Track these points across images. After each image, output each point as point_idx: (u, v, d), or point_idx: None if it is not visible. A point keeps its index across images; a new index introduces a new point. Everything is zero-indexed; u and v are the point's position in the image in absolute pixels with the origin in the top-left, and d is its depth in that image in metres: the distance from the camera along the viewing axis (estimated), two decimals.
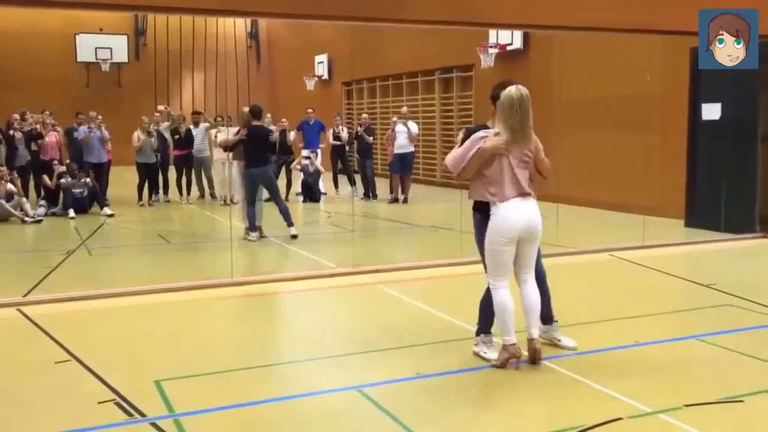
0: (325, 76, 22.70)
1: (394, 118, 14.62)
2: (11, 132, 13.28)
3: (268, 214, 10.37)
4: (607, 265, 8.19)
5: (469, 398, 4.29)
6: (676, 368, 4.75)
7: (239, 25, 26.85)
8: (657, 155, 11.26)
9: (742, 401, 4.13)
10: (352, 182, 15.02)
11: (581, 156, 12.09)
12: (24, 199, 12.05)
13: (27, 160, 13.25)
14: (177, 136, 14.31)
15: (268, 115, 15.75)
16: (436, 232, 10.93)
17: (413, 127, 14.30)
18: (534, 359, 4.71)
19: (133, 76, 25.38)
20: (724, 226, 9.99)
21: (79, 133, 13.73)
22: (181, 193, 14.44)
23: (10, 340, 5.63)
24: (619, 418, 3.88)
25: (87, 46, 24.18)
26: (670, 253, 8.93)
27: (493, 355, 4.81)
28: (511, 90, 4.61)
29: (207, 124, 14.66)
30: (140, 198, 13.95)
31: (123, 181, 15.04)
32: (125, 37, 25.06)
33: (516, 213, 4.63)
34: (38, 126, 13.89)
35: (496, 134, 4.69)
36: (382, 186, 14.92)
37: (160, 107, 16.50)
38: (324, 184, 15.23)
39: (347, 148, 15.55)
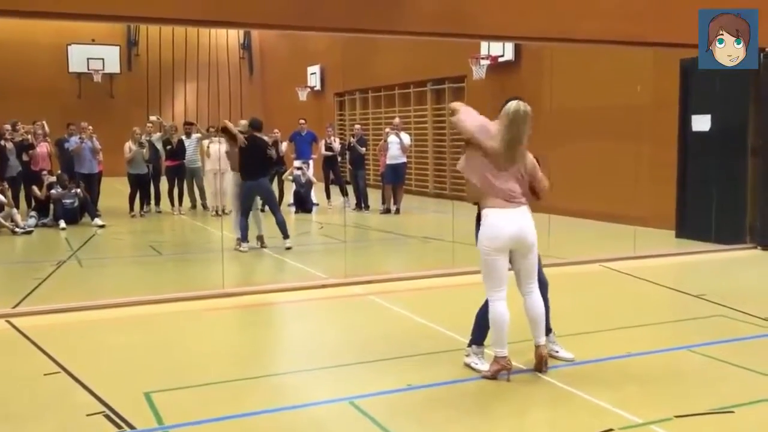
0: (318, 87, 22.74)
1: (387, 129, 14.65)
2: (2, 142, 13.24)
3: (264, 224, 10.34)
4: (598, 276, 8.20)
5: (461, 410, 4.28)
6: (667, 379, 4.76)
7: (232, 36, 26.89)
8: (647, 166, 11.31)
9: (732, 412, 4.13)
10: (345, 193, 15.02)
11: (572, 167, 12.14)
12: (15, 210, 11.99)
13: (18, 170, 13.19)
14: (169, 147, 14.29)
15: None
16: (428, 243, 10.93)
17: (405, 138, 14.33)
18: (540, 366, 4.73)
19: (124, 87, 25.36)
20: (715, 237, 10.03)
21: (71, 143, 13.71)
22: (172, 204, 14.41)
23: None
24: (611, 430, 3.88)
25: (79, 57, 24.16)
26: (660, 264, 8.95)
27: (484, 366, 4.80)
28: (514, 104, 4.62)
29: (199, 135, 14.65)
30: (132, 209, 13.91)
31: (114, 191, 15.00)
32: (117, 47, 25.05)
33: (502, 221, 4.60)
34: (29, 136, 13.86)
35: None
36: (374, 197, 14.93)
37: (152, 118, 16.50)
38: (316, 194, 15.23)
39: (339, 158, 15.56)
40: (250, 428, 4.04)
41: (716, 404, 4.22)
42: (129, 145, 13.76)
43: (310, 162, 15.27)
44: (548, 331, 5.08)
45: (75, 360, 5.12)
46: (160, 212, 14.45)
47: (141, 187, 13.98)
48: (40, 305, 6.77)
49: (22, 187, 13.27)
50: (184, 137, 14.57)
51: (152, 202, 14.47)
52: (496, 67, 14.95)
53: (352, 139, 15.07)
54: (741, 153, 9.99)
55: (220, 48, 26.54)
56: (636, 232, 9.83)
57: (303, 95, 22.68)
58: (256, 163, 9.84)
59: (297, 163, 14.84)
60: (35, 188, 12.80)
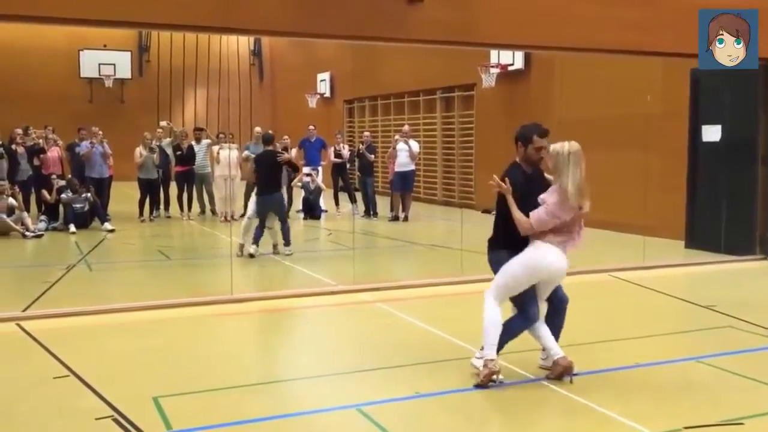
0: (327, 94, 22.80)
1: (396, 137, 14.67)
2: (13, 147, 13.34)
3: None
4: (606, 286, 8.18)
5: (470, 418, 4.27)
6: (676, 390, 4.74)
7: (242, 42, 27.03)
8: (657, 176, 11.28)
9: (742, 423, 4.11)
10: (353, 200, 15.04)
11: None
12: (25, 214, 12.07)
13: (29, 174, 13.29)
14: (179, 153, 14.34)
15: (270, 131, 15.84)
16: (437, 251, 10.93)
17: (414, 145, 14.34)
18: (562, 374, 4.76)
19: (135, 92, 25.50)
20: (725, 248, 9.99)
21: (81, 148, 13.79)
22: (182, 209, 14.46)
23: (9, 354, 5.62)
24: None
25: (91, 62, 24.31)
26: (670, 274, 8.92)
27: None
28: (568, 146, 4.65)
29: (209, 141, 14.71)
30: (141, 213, 13.96)
31: (124, 196, 15.06)
32: (129, 53, 25.20)
33: (558, 259, 4.71)
34: (41, 141, 13.95)
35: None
36: (382, 204, 14.94)
37: (163, 123, 16.59)
38: (325, 201, 15.25)
39: (348, 165, 15.59)
40: None
41: (725, 416, 4.20)
42: (140, 150, 13.82)
43: (319, 169, 15.31)
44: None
45: (84, 364, 5.14)
46: (169, 217, 14.50)
47: (151, 192, 14.03)
48: (49, 309, 6.80)
49: (33, 191, 13.35)
50: (194, 143, 14.63)
51: (162, 207, 14.52)
52: (506, 75, 14.96)
53: (361, 146, 15.10)
54: (751, 164, 9.96)
55: (231, 54, 26.67)
56: (645, 241, 9.79)
57: (312, 102, 22.75)
58: (267, 178, 9.97)
59: (306, 170, 14.87)
60: (45, 192, 12.87)
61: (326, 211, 15.11)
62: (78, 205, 12.54)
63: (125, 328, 6.35)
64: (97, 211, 12.79)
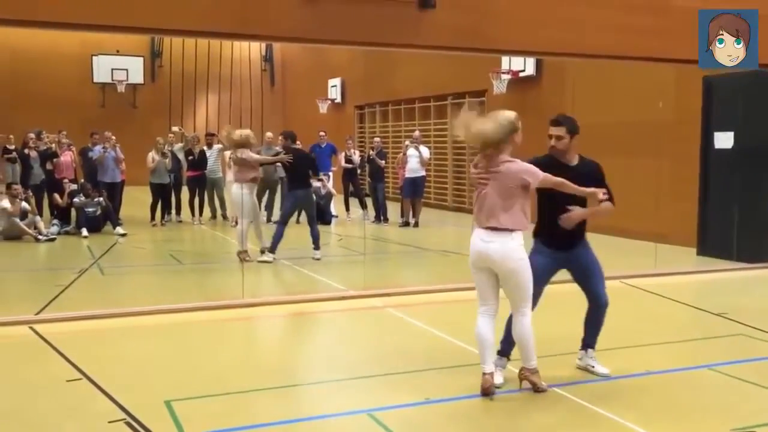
0: (338, 100, 22.86)
1: (406, 142, 14.68)
2: (26, 151, 13.45)
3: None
4: (618, 293, 8.09)
5: (480, 425, 4.27)
6: (687, 398, 4.73)
7: (254, 48, 27.13)
8: (669, 182, 11.24)
9: None
10: (364, 205, 15.06)
11: None
12: (38, 218, 12.16)
13: (41, 179, 13.38)
14: (191, 157, 14.42)
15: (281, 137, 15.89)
16: (447, 257, 10.93)
17: (425, 151, 14.35)
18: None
19: (148, 97, 25.64)
20: (737, 255, 9.94)
21: (94, 152, 13.88)
22: (193, 214, 14.52)
23: (22, 357, 5.66)
24: None
25: (104, 67, 24.46)
26: (681, 281, 8.89)
27: (497, 379, 4.79)
28: None
29: (220, 146, 14.76)
30: (153, 218, 14.02)
31: (136, 201, 15.14)
32: (141, 58, 25.35)
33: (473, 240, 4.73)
34: (53, 145, 14.05)
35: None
36: (393, 209, 14.95)
37: (174, 128, 16.68)
38: (335, 206, 15.27)
39: (359, 171, 15.61)
40: None
41: (737, 424, 4.18)
42: (152, 155, 13.90)
43: (330, 174, 15.34)
44: (588, 345, 5.15)
45: (96, 367, 5.18)
46: (180, 222, 14.56)
47: (163, 196, 14.10)
48: (62, 312, 6.84)
49: (46, 195, 13.44)
50: (205, 148, 14.71)
51: (173, 211, 14.59)
52: (517, 81, 14.96)
53: (371, 151, 15.13)
54: (764, 171, 9.92)
55: (243, 60, 26.81)
56: (657, 248, 9.76)
57: (323, 108, 22.81)
58: (299, 174, 10.00)
59: None
60: (57, 196, 12.96)
61: (337, 217, 15.13)
62: (90, 209, 12.62)
63: (137, 331, 6.39)
64: (110, 216, 12.86)
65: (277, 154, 10.28)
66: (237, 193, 10.12)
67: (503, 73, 14.93)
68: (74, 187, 13.11)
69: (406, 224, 14.24)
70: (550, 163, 4.86)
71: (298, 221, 10.76)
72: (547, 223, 4.92)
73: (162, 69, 26.26)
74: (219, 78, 26.18)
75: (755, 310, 7.09)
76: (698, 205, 10.63)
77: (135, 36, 21.33)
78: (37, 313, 6.81)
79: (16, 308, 7.05)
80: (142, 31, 9.40)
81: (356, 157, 15.37)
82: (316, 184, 14.68)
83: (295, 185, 10.05)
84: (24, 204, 12.03)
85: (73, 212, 12.81)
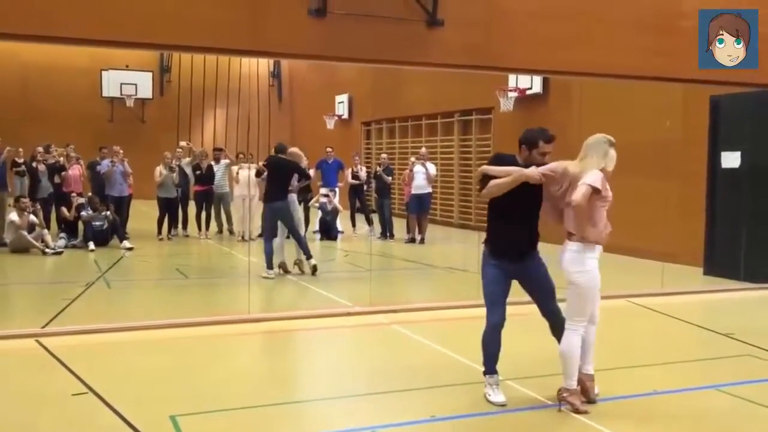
0: (345, 116, 22.95)
1: (413, 159, 14.72)
2: (35, 164, 13.52)
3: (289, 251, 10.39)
4: (625, 312, 8.12)
5: None
6: (694, 418, 4.70)
7: (262, 64, 27.26)
8: (676, 202, 11.23)
9: None
10: (370, 221, 15.08)
11: None
12: (45, 231, 12.20)
13: (50, 192, 13.44)
14: (198, 172, 14.48)
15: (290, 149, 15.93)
16: (453, 274, 10.91)
17: (431, 168, 14.38)
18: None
19: (156, 112, 25.79)
20: (744, 275, 9.90)
21: (102, 166, 13.95)
22: (199, 228, 14.55)
23: (28, 371, 5.67)
24: None
25: (113, 82, 24.63)
26: (688, 301, 8.85)
27: (497, 398, 4.78)
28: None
29: (228, 161, 14.83)
30: (159, 232, 14.06)
31: (142, 215, 15.19)
32: (150, 73, 25.53)
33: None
34: (62, 159, 14.13)
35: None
36: (399, 226, 14.96)
37: (182, 143, 16.75)
38: (341, 222, 15.29)
39: (365, 187, 15.64)
40: None
41: None
42: (160, 170, 13.96)
43: (336, 190, 15.37)
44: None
45: (102, 381, 5.18)
46: (187, 236, 14.59)
47: (170, 210, 14.15)
48: (68, 326, 6.86)
49: (54, 208, 13.50)
50: (213, 163, 14.76)
51: (180, 225, 14.63)
52: (524, 99, 15.00)
53: (378, 168, 15.16)
54: None
55: (251, 76, 26.93)
56: (664, 268, 9.73)
57: (331, 124, 22.90)
58: (275, 185, 9.84)
59: (323, 191, 14.95)
60: (64, 209, 13.01)
61: (343, 232, 15.15)
62: (98, 223, 12.66)
63: (143, 345, 6.39)
64: (117, 229, 12.90)
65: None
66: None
67: (510, 90, 14.98)
68: (82, 200, 13.16)
69: (412, 241, 14.24)
70: (512, 162, 4.94)
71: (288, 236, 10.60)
72: (494, 232, 4.90)
73: (171, 84, 26.42)
74: (227, 93, 26.32)
75: (762, 331, 7.05)
76: (705, 224, 10.60)
77: (144, 51, 21.46)
78: (44, 327, 6.82)
79: (23, 321, 7.07)
80: (152, 47, 9.46)
81: (363, 173, 15.40)
82: (322, 199, 14.75)
83: (271, 197, 9.82)
84: (32, 217, 12.08)
85: (81, 225, 12.85)
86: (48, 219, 13.03)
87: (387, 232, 14.80)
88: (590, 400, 4.73)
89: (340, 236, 14.91)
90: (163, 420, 4.44)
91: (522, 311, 5.24)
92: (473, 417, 4.61)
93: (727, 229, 10.27)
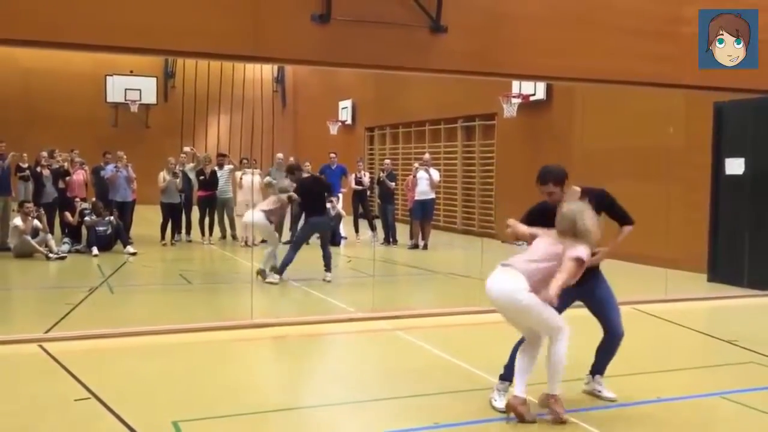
0: (349, 122, 22.96)
1: (416, 165, 14.72)
2: (39, 169, 13.55)
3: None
4: (628, 318, 7.98)
5: None
6: (698, 426, 4.68)
7: (266, 70, 27.33)
8: (679, 208, 11.21)
9: None
10: (373, 227, 15.08)
11: None
12: (49, 236, 12.22)
13: (54, 197, 13.47)
14: (202, 177, 14.49)
15: (291, 159, 15.98)
16: (456, 280, 10.90)
17: (435, 173, 14.38)
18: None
19: (160, 118, 25.84)
20: (747, 282, 9.88)
21: (106, 171, 13.97)
22: (203, 234, 14.56)
23: (31, 376, 5.67)
24: None
25: (117, 87, 24.67)
26: (692, 308, 8.83)
27: (501, 404, 4.78)
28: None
29: (231, 167, 14.85)
30: (163, 237, 14.07)
31: (146, 220, 15.20)
32: (155, 79, 25.57)
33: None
34: (66, 164, 14.16)
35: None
36: (402, 232, 14.95)
37: (186, 149, 16.79)
38: (345, 228, 15.28)
39: (369, 193, 15.64)
40: None
41: None
42: (163, 175, 13.99)
43: (340, 195, 15.37)
44: (597, 372, 5.15)
45: (105, 386, 5.18)
46: (190, 241, 14.60)
47: (173, 216, 14.16)
48: (71, 331, 6.85)
49: (57, 213, 13.52)
50: (216, 168, 14.78)
51: (183, 231, 14.64)
52: (528, 105, 15.00)
53: (381, 173, 15.17)
54: None
55: (255, 81, 26.99)
56: (667, 274, 9.71)
57: (334, 129, 22.91)
58: (314, 200, 10.16)
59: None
60: (68, 214, 13.03)
61: (346, 238, 15.14)
62: (101, 228, 12.68)
63: (146, 351, 6.39)
64: (120, 235, 12.91)
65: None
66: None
67: (513, 96, 14.98)
68: (85, 206, 13.19)
69: (415, 246, 14.24)
70: (544, 209, 4.88)
71: (307, 242, 10.75)
72: None
73: (175, 89, 26.47)
74: (231, 99, 26.37)
75: (766, 338, 7.02)
76: (709, 231, 10.58)
77: (148, 57, 21.53)
78: (47, 332, 6.82)
79: (26, 326, 7.08)
80: (156, 53, 9.51)
81: (366, 179, 15.41)
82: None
83: (311, 212, 10.13)
84: (36, 222, 12.10)
85: (84, 230, 12.87)
86: (52, 224, 13.04)
87: (390, 237, 14.79)
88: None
89: (343, 242, 14.89)
90: (165, 425, 4.44)
91: None
92: (476, 423, 4.59)
93: (730, 235, 10.25)
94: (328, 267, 10.08)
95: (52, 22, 6.35)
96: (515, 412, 4.55)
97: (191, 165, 14.94)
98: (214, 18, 6.82)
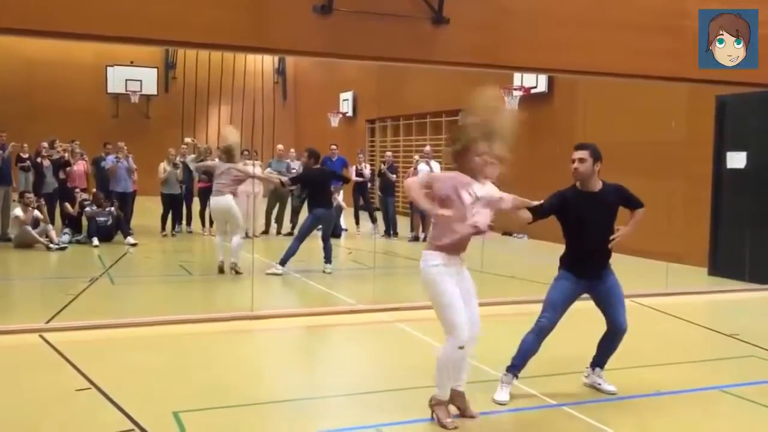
0: (350, 113, 22.93)
1: (417, 157, 14.70)
2: (39, 160, 13.54)
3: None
4: (629, 312, 8.00)
5: None
6: (698, 419, 4.69)
7: (267, 61, 27.29)
8: (681, 202, 11.20)
9: None
10: (374, 219, 15.07)
11: None
12: (50, 226, 12.21)
13: (54, 187, 13.46)
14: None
15: (292, 150, 15.96)
16: None
17: (435, 166, 14.35)
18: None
19: (161, 109, 25.81)
20: (749, 276, 9.88)
21: (107, 162, 13.96)
22: (203, 225, 14.55)
23: (32, 366, 5.67)
24: None
25: (117, 78, 24.65)
26: (693, 302, 8.84)
27: (499, 396, 4.79)
28: None
29: None
30: (163, 228, 14.07)
31: (146, 211, 15.19)
32: (155, 70, 25.53)
33: None
34: (66, 154, 14.14)
35: None
36: (403, 224, 14.95)
37: (187, 140, 16.76)
38: (345, 220, 15.28)
39: (369, 185, 15.62)
40: None
41: None
42: (164, 166, 13.97)
43: (340, 187, 15.35)
44: (598, 365, 5.13)
45: (106, 376, 5.18)
46: (190, 232, 14.60)
47: (174, 207, 14.15)
48: (72, 321, 6.85)
49: (58, 203, 13.52)
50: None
51: (184, 222, 14.63)
52: (529, 98, 14.96)
53: (382, 165, 15.15)
54: None
55: (255, 73, 26.94)
56: (668, 268, 9.71)
57: (335, 121, 22.89)
58: (321, 192, 10.11)
59: None
60: (68, 205, 13.02)
61: (346, 230, 15.14)
62: (102, 219, 12.67)
63: (147, 341, 6.40)
64: (121, 225, 12.91)
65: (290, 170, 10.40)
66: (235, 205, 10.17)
67: (515, 89, 14.94)
68: (85, 196, 13.18)
69: (416, 239, 14.23)
70: (573, 194, 4.93)
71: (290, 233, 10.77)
72: (576, 252, 4.90)
73: (175, 80, 26.43)
74: (232, 90, 26.31)
75: (767, 332, 7.03)
76: (710, 225, 10.58)
77: (149, 47, 21.48)
78: (48, 322, 6.82)
79: (27, 316, 7.07)
80: (157, 43, 9.46)
81: (367, 171, 15.39)
82: None
83: (316, 204, 10.08)
84: (36, 212, 12.09)
85: (84, 221, 12.87)
86: (52, 214, 13.04)
87: (391, 230, 14.79)
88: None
89: (343, 234, 14.90)
90: (166, 416, 4.44)
91: (525, 311, 5.23)
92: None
93: (731, 229, 10.25)
94: (328, 259, 10.09)
95: (53, 12, 6.33)
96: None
97: (192, 156, 14.91)
98: (215, 8, 6.80)
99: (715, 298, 9.23)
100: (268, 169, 13.24)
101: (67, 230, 12.84)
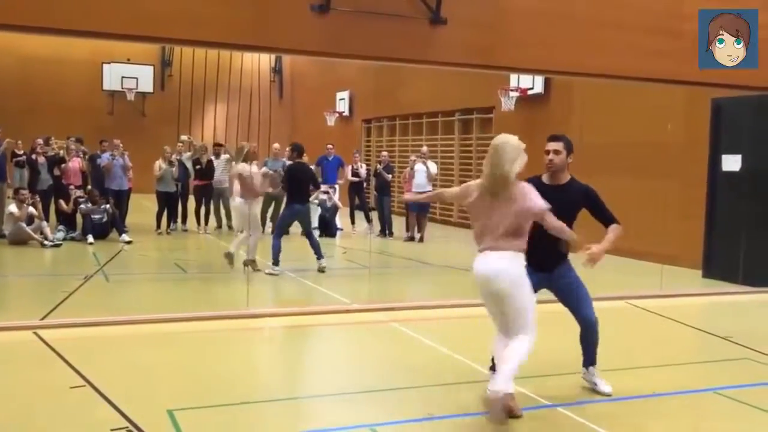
0: (346, 113, 22.92)
1: (413, 157, 14.71)
2: (34, 156, 13.50)
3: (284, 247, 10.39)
4: (623, 314, 8.12)
5: None
6: (693, 421, 4.70)
7: (263, 59, 27.27)
8: (676, 204, 11.22)
9: None
10: (369, 219, 15.07)
11: None
12: (44, 223, 12.18)
13: (49, 184, 13.42)
14: (198, 167, 14.47)
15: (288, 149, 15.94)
16: (451, 272, 10.90)
17: (432, 166, 14.37)
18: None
19: (157, 106, 25.75)
20: (743, 279, 9.90)
21: (102, 159, 13.93)
22: (198, 223, 14.54)
23: (26, 363, 5.66)
24: None
25: (113, 75, 24.61)
26: (687, 304, 8.85)
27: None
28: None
29: (228, 156, 14.81)
30: (158, 226, 14.05)
31: (142, 208, 15.17)
32: (151, 67, 25.48)
33: (476, 266, 4.58)
34: (62, 151, 14.11)
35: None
36: (398, 224, 14.95)
37: (183, 137, 16.73)
38: (341, 219, 15.28)
39: (365, 184, 15.63)
40: None
41: None
42: (159, 164, 13.95)
43: (336, 187, 15.37)
44: (589, 363, 5.12)
45: (100, 374, 5.17)
46: (186, 230, 14.58)
47: (169, 205, 14.13)
48: (67, 318, 6.84)
49: (53, 200, 13.48)
50: (213, 158, 14.75)
51: (179, 220, 14.61)
52: (525, 99, 14.99)
53: (378, 165, 15.15)
54: None
55: (252, 71, 26.93)
56: (663, 270, 9.73)
57: (331, 120, 22.87)
58: (298, 187, 10.06)
59: (323, 188, 14.93)
60: (62, 202, 12.99)
61: (342, 230, 15.14)
62: (97, 216, 12.64)
63: (141, 339, 6.39)
64: (116, 223, 12.88)
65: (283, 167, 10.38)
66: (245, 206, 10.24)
67: (512, 90, 14.97)
68: (79, 193, 13.15)
69: (411, 239, 14.24)
70: (537, 185, 4.75)
71: (302, 234, 10.76)
72: (531, 243, 4.84)
73: (172, 78, 26.39)
74: (228, 88, 26.31)
75: (761, 335, 7.05)
76: (705, 227, 10.60)
77: (145, 45, 21.46)
78: (42, 319, 6.81)
79: (21, 313, 7.05)
80: (154, 41, 9.46)
81: (363, 171, 15.40)
82: (322, 196, 14.73)
83: (293, 199, 10.07)
84: (31, 209, 12.06)
85: (79, 218, 12.84)
86: (47, 211, 13.01)
87: (386, 229, 14.79)
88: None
89: (339, 233, 14.90)
90: (160, 414, 4.44)
91: None
92: (470, 416, 4.59)
93: (726, 232, 10.27)
94: (318, 254, 10.09)
95: (49, 8, 6.32)
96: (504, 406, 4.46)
97: (188, 154, 14.90)
98: (213, 6, 6.80)
99: (710, 300, 9.25)
100: (264, 168, 13.21)
101: (61, 227, 12.81)
